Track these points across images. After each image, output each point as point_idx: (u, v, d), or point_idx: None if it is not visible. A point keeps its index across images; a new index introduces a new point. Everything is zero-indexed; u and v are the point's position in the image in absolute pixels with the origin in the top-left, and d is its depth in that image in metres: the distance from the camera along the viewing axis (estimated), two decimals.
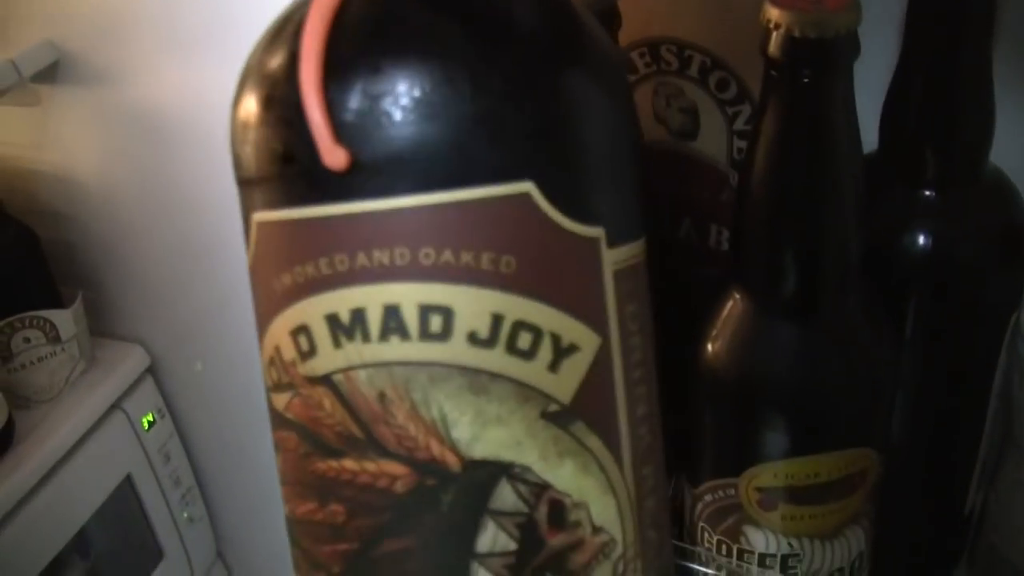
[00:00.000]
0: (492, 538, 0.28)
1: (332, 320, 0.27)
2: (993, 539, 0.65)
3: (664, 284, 0.63)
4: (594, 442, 0.28)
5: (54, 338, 0.94)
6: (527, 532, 0.28)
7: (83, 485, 0.96)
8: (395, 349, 0.27)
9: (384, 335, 0.27)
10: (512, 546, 0.28)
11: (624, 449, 0.29)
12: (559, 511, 0.28)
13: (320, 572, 0.29)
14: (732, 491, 0.59)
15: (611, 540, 0.29)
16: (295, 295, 0.28)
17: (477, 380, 0.27)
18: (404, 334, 0.27)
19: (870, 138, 0.54)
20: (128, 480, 0.99)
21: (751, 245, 0.55)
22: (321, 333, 0.28)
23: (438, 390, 0.27)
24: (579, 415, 0.28)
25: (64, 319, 0.94)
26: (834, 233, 0.53)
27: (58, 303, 0.95)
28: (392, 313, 0.27)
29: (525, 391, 0.27)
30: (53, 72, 0.88)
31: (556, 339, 0.28)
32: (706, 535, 0.62)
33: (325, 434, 0.28)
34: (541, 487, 0.28)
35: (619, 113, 0.30)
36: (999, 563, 0.65)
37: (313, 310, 0.28)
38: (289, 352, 0.29)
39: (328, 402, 0.28)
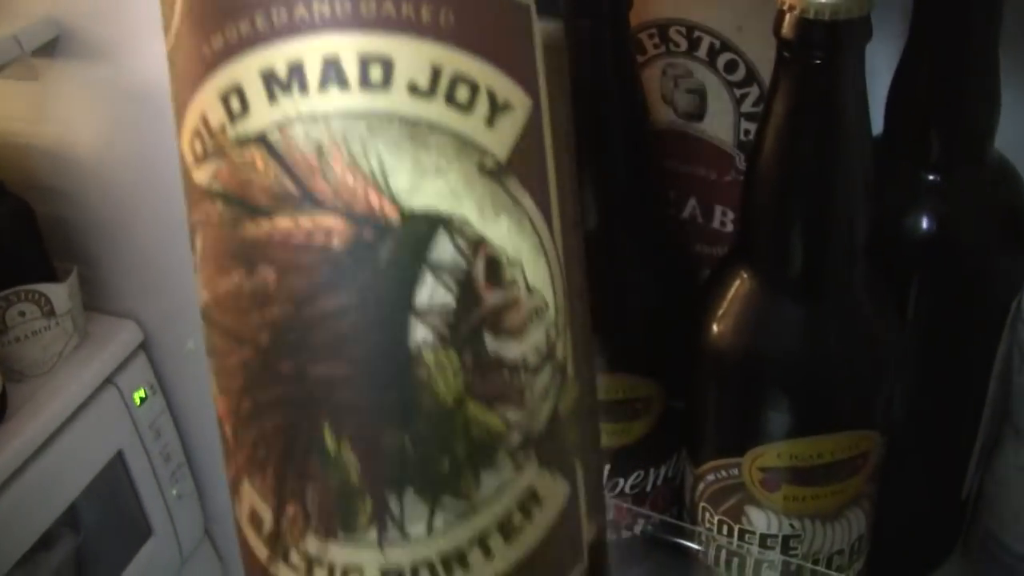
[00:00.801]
0: (430, 292, 0.28)
1: (267, 75, 0.27)
2: (989, 524, 0.66)
3: (667, 264, 0.63)
4: (527, 201, 0.29)
5: (48, 312, 0.94)
6: (464, 287, 0.28)
7: (75, 460, 0.95)
8: (334, 100, 0.27)
9: (323, 86, 0.27)
10: (450, 300, 0.28)
11: (554, 214, 0.30)
12: (495, 267, 0.28)
13: (245, 348, 0.29)
14: (735, 471, 0.59)
15: (544, 303, 0.29)
16: (227, 55, 0.28)
17: (416, 130, 0.27)
18: (343, 84, 0.27)
19: (875, 121, 0.54)
20: (119, 456, 0.99)
21: (759, 224, 0.55)
22: (255, 90, 0.27)
23: (377, 139, 0.27)
24: (514, 172, 0.28)
25: (59, 293, 0.94)
26: (841, 214, 0.53)
27: (53, 277, 0.95)
28: (331, 64, 0.27)
29: (463, 143, 0.28)
30: (53, 47, 0.88)
31: (492, 95, 0.28)
32: (707, 515, 0.63)
33: (256, 195, 0.28)
34: (478, 242, 0.28)
35: None
36: (995, 548, 0.65)
37: (246, 68, 0.27)
38: (218, 117, 0.28)
39: (261, 161, 0.28)
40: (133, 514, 1.03)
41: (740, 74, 0.63)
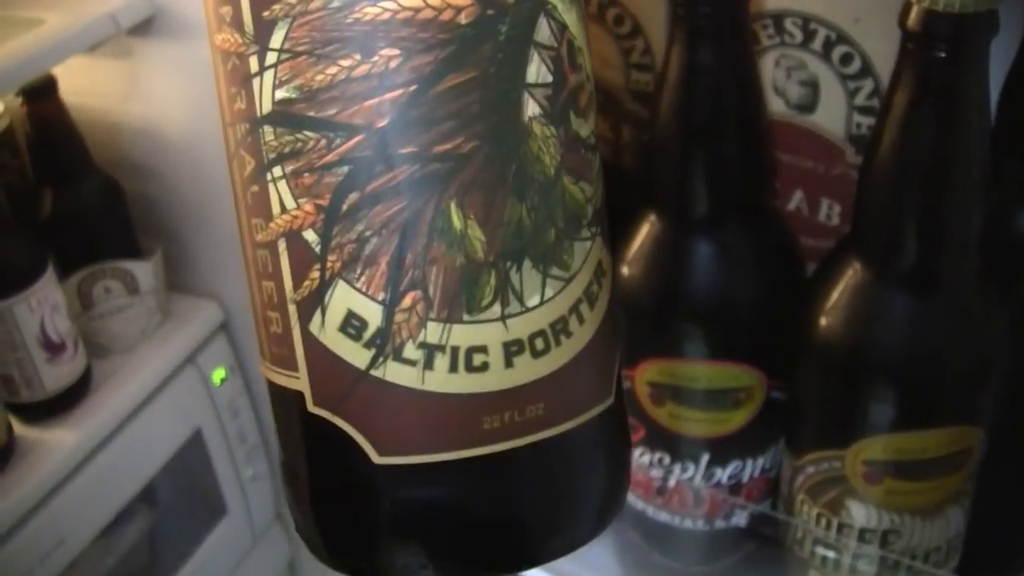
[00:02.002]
0: (536, 69, 0.29)
1: None
2: None
3: (775, 254, 0.63)
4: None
5: (133, 289, 0.95)
6: (557, 66, 0.30)
7: (154, 437, 0.96)
8: None
9: None
10: (549, 78, 0.30)
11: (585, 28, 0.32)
12: (573, 51, 0.30)
13: (355, 136, 0.29)
14: (837, 463, 0.59)
15: (594, 91, 0.32)
16: None
17: None
18: None
19: None
20: (198, 434, 1.00)
21: (873, 216, 0.55)
22: None
23: None
24: None
25: (144, 271, 0.95)
26: (958, 209, 0.53)
27: (138, 255, 0.96)
28: None
29: None
30: (148, 25, 0.89)
31: None
32: (805, 507, 0.63)
33: None
34: (563, 27, 0.30)
35: None
36: None
37: None
38: None
39: None
40: (208, 493, 1.04)
41: (855, 67, 0.62)
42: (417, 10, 0.28)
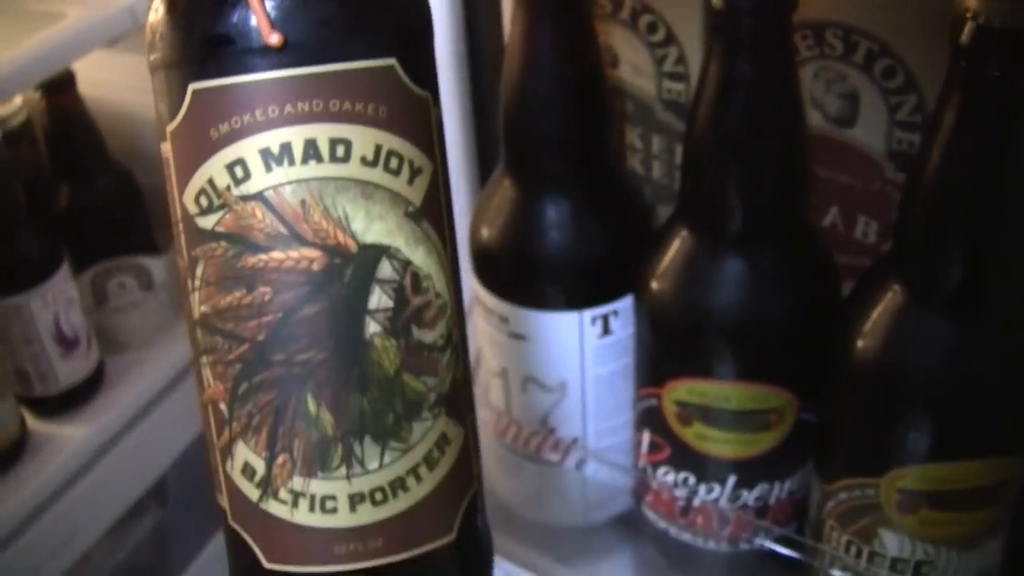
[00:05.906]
0: (378, 299, 0.38)
1: (265, 152, 0.37)
2: None
3: (809, 272, 0.62)
4: (433, 235, 0.40)
5: (148, 285, 0.93)
6: (399, 294, 0.39)
7: (166, 433, 0.95)
8: (312, 169, 0.37)
9: (305, 160, 0.37)
10: (390, 304, 0.38)
11: (447, 242, 0.41)
12: (417, 280, 0.39)
13: (243, 344, 0.38)
14: (871, 491, 0.57)
15: (445, 303, 0.40)
16: (232, 138, 0.38)
17: (366, 189, 0.38)
18: (319, 159, 0.37)
19: None
20: None
21: (918, 236, 0.53)
22: (255, 163, 0.37)
23: (342, 196, 0.38)
24: (425, 215, 0.40)
25: (159, 266, 0.94)
26: (1008, 231, 0.51)
27: (154, 249, 0.95)
28: (310, 144, 0.37)
29: (394, 197, 0.39)
30: None
31: (411, 163, 0.39)
32: (835, 534, 0.61)
33: (256, 236, 0.38)
34: (406, 263, 0.39)
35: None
36: None
37: (248, 147, 0.37)
38: (223, 180, 0.38)
39: (260, 212, 0.37)
40: None
41: (898, 81, 0.61)
42: (282, 261, 0.38)
